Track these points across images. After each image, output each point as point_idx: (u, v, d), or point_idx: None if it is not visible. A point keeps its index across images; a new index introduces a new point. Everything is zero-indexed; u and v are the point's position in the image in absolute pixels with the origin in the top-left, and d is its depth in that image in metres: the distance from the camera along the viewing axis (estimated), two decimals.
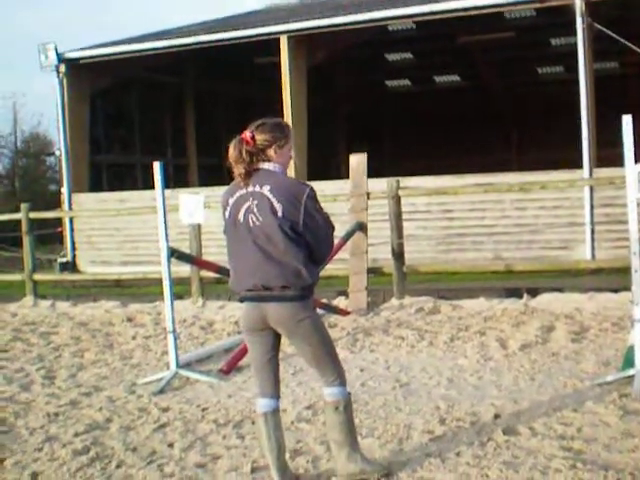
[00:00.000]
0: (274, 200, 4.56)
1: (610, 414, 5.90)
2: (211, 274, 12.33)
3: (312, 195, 4.62)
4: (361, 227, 11.62)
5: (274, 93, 17.64)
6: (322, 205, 4.75)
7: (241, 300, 4.80)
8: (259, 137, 4.68)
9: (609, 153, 16.44)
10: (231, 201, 4.74)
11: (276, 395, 4.88)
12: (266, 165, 4.70)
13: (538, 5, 16.04)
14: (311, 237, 4.59)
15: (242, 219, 4.66)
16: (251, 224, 4.62)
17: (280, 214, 4.55)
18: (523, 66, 26.60)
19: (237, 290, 4.79)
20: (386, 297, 11.72)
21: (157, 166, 8.27)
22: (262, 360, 4.83)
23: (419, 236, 14.84)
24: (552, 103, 24.95)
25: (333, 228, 4.75)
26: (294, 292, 4.60)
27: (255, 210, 4.61)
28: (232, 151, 4.70)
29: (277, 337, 4.80)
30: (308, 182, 4.83)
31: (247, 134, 4.68)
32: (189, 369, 8.14)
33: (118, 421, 6.59)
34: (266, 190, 4.60)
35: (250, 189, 4.65)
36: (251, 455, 5.48)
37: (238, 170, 4.69)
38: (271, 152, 4.70)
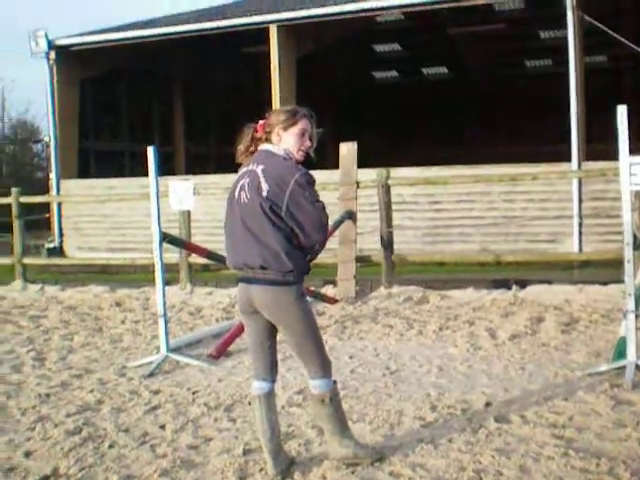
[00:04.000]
0: (262, 179, 4.53)
1: (601, 404, 5.90)
2: (199, 260, 12.31)
3: (302, 181, 4.51)
4: (350, 216, 11.59)
5: (263, 82, 17.59)
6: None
7: (237, 281, 4.77)
8: (268, 122, 4.72)
9: (597, 148, 16.54)
10: (236, 179, 4.74)
11: (270, 378, 4.83)
12: (269, 146, 4.70)
13: None
14: (295, 224, 4.50)
15: (237, 196, 4.66)
16: (241, 201, 4.61)
17: (265, 194, 4.50)
18: (512, 59, 26.66)
19: (229, 267, 4.78)
20: (374, 286, 11.71)
21: (151, 151, 8.21)
22: (256, 342, 4.80)
23: (406, 227, 14.83)
24: (541, 96, 24.98)
25: (326, 218, 4.60)
26: (275, 276, 4.53)
27: (246, 188, 4.60)
28: (243, 135, 4.78)
29: (270, 321, 4.76)
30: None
31: (260, 122, 4.74)
32: (179, 353, 8.09)
33: (109, 403, 6.54)
34: (259, 169, 4.58)
35: (249, 167, 4.67)
36: (243, 438, 5.44)
37: (238, 150, 4.78)
38: (274, 135, 4.69)
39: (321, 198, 4.59)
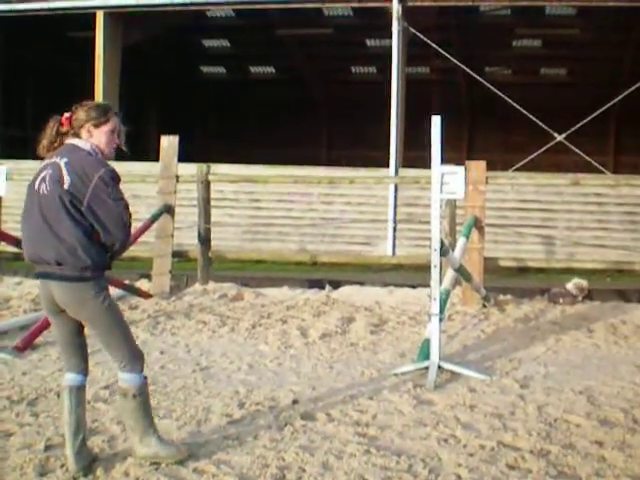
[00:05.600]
0: (65, 172, 4.42)
1: (404, 403, 6.08)
2: (9, 249, 11.83)
3: (107, 178, 4.42)
4: (168, 210, 11.47)
5: (87, 68, 17.15)
6: (126, 188, 4.61)
7: (36, 276, 4.63)
8: (75, 116, 4.62)
9: (414, 155, 17.10)
10: (37, 170, 4.59)
11: (83, 371, 4.75)
12: (75, 141, 4.59)
13: (356, 4, 16.41)
14: (95, 220, 4.40)
15: (37, 187, 4.52)
16: (41, 192, 4.48)
17: (66, 186, 4.39)
18: (338, 64, 27.09)
19: (26, 260, 4.61)
20: (190, 282, 11.65)
21: None
22: (64, 338, 4.70)
23: (226, 224, 14.81)
24: (364, 103, 25.51)
25: (129, 217, 4.51)
26: (72, 272, 4.43)
27: (47, 179, 4.47)
28: (46, 128, 4.65)
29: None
30: (114, 166, 4.59)
31: (65, 115, 4.62)
32: None
33: None
34: (63, 162, 4.47)
35: (53, 159, 4.54)
36: (45, 433, 5.28)
37: (41, 144, 4.65)
38: (83, 131, 4.60)
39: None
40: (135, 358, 4.70)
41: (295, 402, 6.09)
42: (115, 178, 4.48)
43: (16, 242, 9.52)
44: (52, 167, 4.49)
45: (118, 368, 4.69)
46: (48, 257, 4.43)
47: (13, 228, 11.71)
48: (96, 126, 4.60)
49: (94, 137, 4.60)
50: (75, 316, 4.58)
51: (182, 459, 4.79)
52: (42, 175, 4.51)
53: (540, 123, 15.17)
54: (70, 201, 4.39)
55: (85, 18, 16.89)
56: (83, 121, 4.59)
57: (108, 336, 4.60)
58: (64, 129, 4.62)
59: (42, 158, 4.68)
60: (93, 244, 4.45)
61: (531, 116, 15.24)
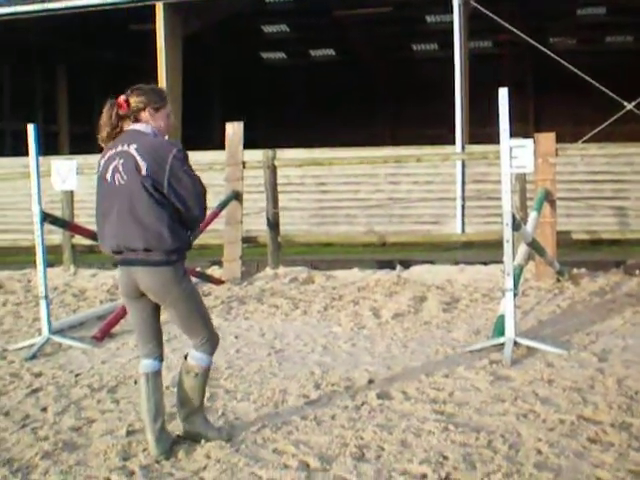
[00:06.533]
0: (139, 158, 4.45)
1: (481, 379, 6.04)
2: (83, 242, 12.06)
3: (180, 156, 4.50)
4: (236, 196, 11.54)
5: (149, 61, 17.30)
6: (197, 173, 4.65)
7: (115, 265, 4.69)
8: (133, 100, 4.62)
9: (480, 132, 16.91)
10: (102, 162, 4.64)
11: (159, 357, 4.80)
12: (137, 126, 4.62)
13: None
14: (177, 199, 4.46)
15: (109, 178, 4.55)
16: (117, 183, 4.51)
17: (144, 172, 4.43)
18: (398, 42, 26.92)
19: (104, 251, 4.68)
20: (260, 267, 11.71)
21: (31, 128, 8.00)
22: (142, 324, 4.75)
23: (293, 208, 14.84)
24: (426, 80, 25.32)
25: (204, 190, 4.59)
26: (159, 256, 4.48)
27: (121, 169, 4.50)
28: (103, 114, 4.65)
29: (154, 301, 4.70)
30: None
31: (121, 97, 4.62)
32: (61, 335, 7.91)
33: None
34: (132, 149, 4.49)
35: (119, 148, 4.55)
36: (126, 419, 5.37)
37: (102, 133, 4.66)
38: (145, 114, 4.63)
39: (208, 179, 4.58)
40: (212, 340, 4.77)
41: (371, 381, 6.09)
42: (186, 155, 4.55)
43: (91, 235, 9.68)
44: (122, 156, 4.51)
45: (193, 346, 4.76)
46: (135, 245, 4.48)
47: (86, 222, 11.92)
48: (156, 110, 4.65)
49: (155, 120, 4.64)
50: (159, 300, 4.63)
51: (228, 439, 4.86)
52: (113, 165, 4.53)
53: (609, 92, 14.85)
54: (152, 185, 4.43)
55: (144, 11, 17.04)
56: (143, 104, 4.62)
57: (189, 318, 4.67)
58: (123, 112, 4.61)
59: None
60: (177, 226, 4.50)
61: (599, 85, 14.94)
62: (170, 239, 4.46)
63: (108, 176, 4.55)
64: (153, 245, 4.46)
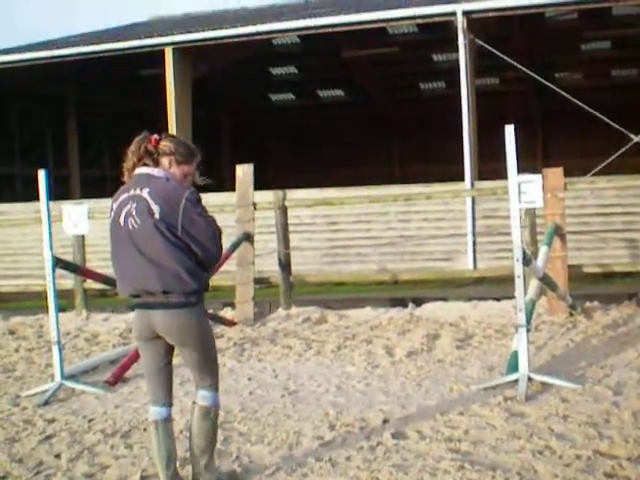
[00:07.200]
0: (152, 202, 4.48)
1: (496, 416, 6.01)
2: (95, 286, 12.10)
3: (192, 198, 4.53)
4: (247, 238, 11.59)
5: (159, 105, 17.45)
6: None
7: (132, 308, 4.71)
8: (163, 143, 4.66)
9: (489, 167, 16.95)
10: (115, 205, 4.66)
11: (168, 403, 4.79)
12: (148, 170, 4.63)
13: (420, 21, 16.36)
14: (192, 241, 4.48)
15: (123, 223, 4.57)
16: (130, 227, 4.54)
17: (157, 216, 4.46)
18: (406, 81, 27.06)
19: (123, 295, 4.70)
20: (273, 308, 11.72)
21: (42, 174, 8.08)
22: (154, 368, 4.74)
23: (304, 248, 14.85)
24: (435, 118, 25.41)
25: (220, 231, 4.63)
26: (178, 299, 4.49)
27: (134, 213, 4.53)
28: (133, 144, 4.68)
29: (169, 345, 4.69)
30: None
31: (155, 135, 4.68)
32: (74, 380, 7.92)
33: (2, 433, 6.39)
34: (145, 193, 4.52)
35: (131, 192, 4.58)
36: (140, 464, 5.37)
37: (127, 163, 4.67)
38: (165, 160, 4.65)
39: (219, 222, 4.61)
40: (218, 377, 4.81)
41: (385, 421, 6.07)
42: (198, 197, 4.59)
43: (103, 279, 9.73)
44: (135, 200, 4.54)
45: (202, 387, 4.74)
46: (153, 288, 4.49)
47: (98, 266, 12.01)
48: (178, 163, 4.67)
49: (172, 170, 4.66)
50: (177, 343, 4.63)
51: None
52: (126, 210, 4.56)
53: (615, 125, 14.89)
54: (167, 228, 4.46)
55: (154, 56, 17.22)
56: (170, 152, 4.65)
57: (204, 359, 4.68)
58: (150, 147, 4.63)
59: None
60: (195, 267, 4.52)
61: (606, 119, 14.98)
62: (189, 280, 4.48)
63: (121, 220, 4.58)
64: (172, 286, 4.47)
